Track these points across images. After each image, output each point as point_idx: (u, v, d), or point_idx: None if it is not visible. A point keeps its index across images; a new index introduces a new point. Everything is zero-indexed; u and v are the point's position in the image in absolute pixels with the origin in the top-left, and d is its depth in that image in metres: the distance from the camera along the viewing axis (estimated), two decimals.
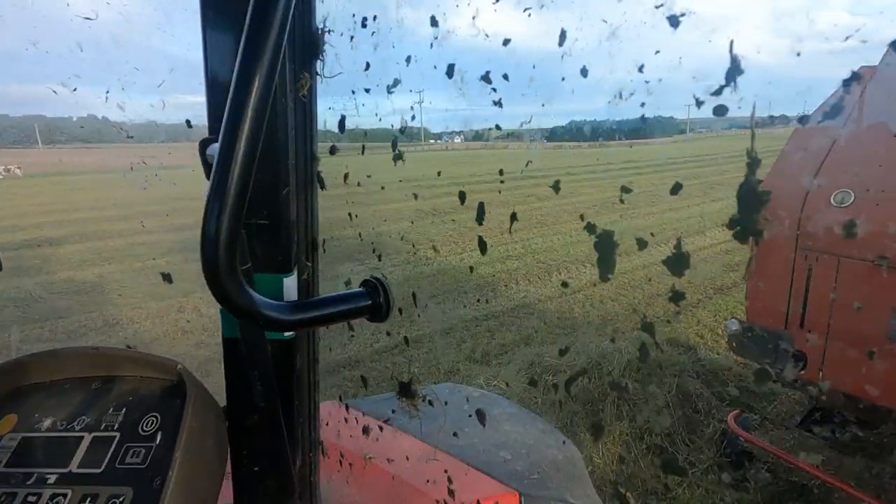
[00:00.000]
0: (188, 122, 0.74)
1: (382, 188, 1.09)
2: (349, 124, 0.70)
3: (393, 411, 0.91)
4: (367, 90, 0.67)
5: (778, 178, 2.30)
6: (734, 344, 2.51)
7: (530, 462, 0.95)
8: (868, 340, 2.03)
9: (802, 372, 2.27)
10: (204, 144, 0.58)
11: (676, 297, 0.63)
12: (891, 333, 1.96)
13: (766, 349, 2.36)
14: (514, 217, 0.98)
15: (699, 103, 0.52)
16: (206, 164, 0.58)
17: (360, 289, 0.65)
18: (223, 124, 0.45)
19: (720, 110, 0.52)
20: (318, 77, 0.61)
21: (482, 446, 0.96)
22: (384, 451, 0.88)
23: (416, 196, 9.95)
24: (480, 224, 0.77)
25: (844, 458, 2.73)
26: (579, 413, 3.55)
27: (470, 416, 1.10)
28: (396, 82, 0.69)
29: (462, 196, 0.87)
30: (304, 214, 0.67)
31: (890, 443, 2.73)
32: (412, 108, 0.81)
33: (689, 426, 3.50)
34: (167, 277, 0.99)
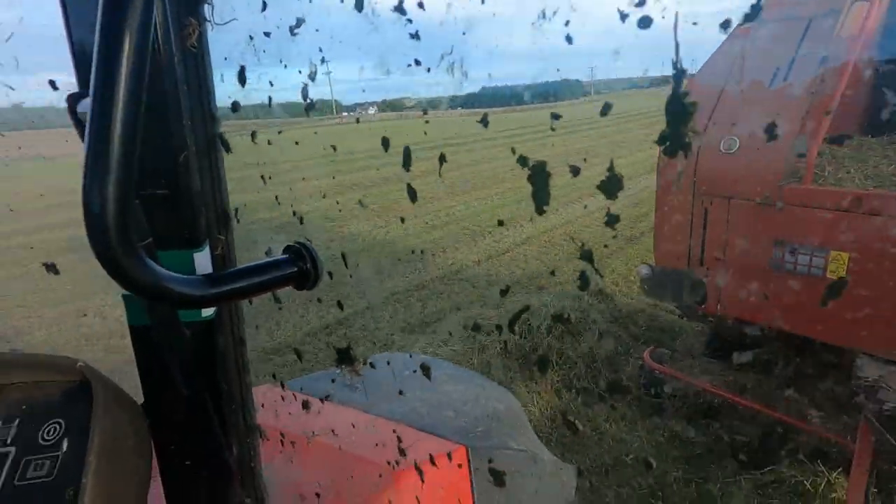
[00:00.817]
0: (52, 82, 0.63)
1: (297, 143, 1.03)
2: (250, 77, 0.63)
3: (333, 381, 0.89)
4: (268, 34, 0.61)
5: None
6: (646, 287, 2.73)
7: (474, 417, 0.98)
8: (755, 272, 2.29)
9: (704, 305, 2.52)
10: (74, 99, 0.51)
11: (611, 219, 0.66)
12: (773, 264, 2.22)
13: (672, 289, 2.60)
14: (442, 158, 0.97)
15: (623, 16, 0.53)
16: (79, 123, 0.51)
17: (284, 255, 0.60)
18: (92, 78, 0.39)
19: (644, 21, 0.53)
20: (207, 24, 0.54)
21: (426, 409, 0.97)
22: (328, 426, 0.86)
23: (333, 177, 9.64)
24: (407, 169, 0.75)
25: (739, 375, 3.12)
26: (513, 368, 3.73)
27: (414, 373, 1.11)
28: (300, 22, 0.63)
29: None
30: (210, 181, 0.60)
31: (774, 359, 3.14)
32: (322, 61, 0.76)
33: (611, 365, 3.81)
34: (51, 268, 0.87)
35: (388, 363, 1.14)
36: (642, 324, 4.62)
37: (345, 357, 0.77)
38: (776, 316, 2.32)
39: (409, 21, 0.67)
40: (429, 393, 1.04)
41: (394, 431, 0.84)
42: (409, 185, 0.80)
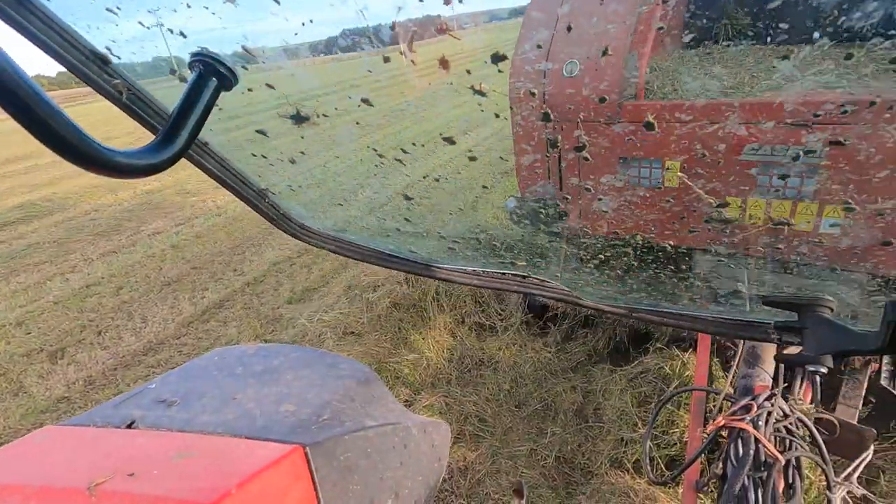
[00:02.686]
0: None
1: None
2: None
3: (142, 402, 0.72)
4: None
5: (520, 60, 2.45)
6: (514, 218, 2.79)
7: (319, 405, 0.87)
8: (608, 187, 2.42)
9: (567, 227, 2.65)
10: None
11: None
12: (622, 179, 2.36)
13: (539, 217, 2.68)
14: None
15: None
16: None
17: (195, 74, 0.62)
18: None
19: None
20: None
21: (260, 409, 0.84)
22: (125, 468, 0.70)
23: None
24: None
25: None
26: (405, 319, 3.71)
27: (250, 368, 0.97)
28: None
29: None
30: None
31: (627, 263, 3.47)
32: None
33: (498, 297, 3.95)
34: None
35: (217, 360, 0.98)
36: (522, 251, 4.84)
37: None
38: (631, 227, 2.51)
39: None
40: (267, 388, 0.91)
41: (217, 450, 0.71)
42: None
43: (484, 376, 3.42)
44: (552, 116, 2.41)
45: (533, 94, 2.43)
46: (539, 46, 2.40)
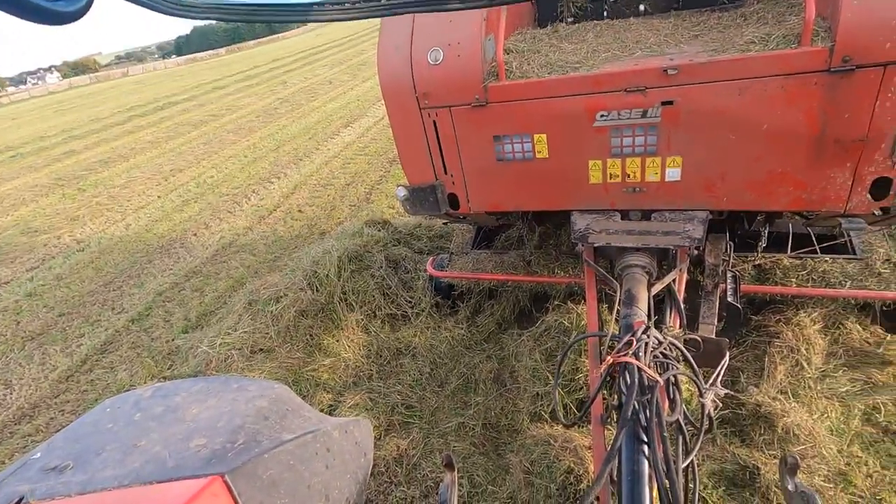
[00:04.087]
0: None
1: None
2: None
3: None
4: None
5: (386, 51, 2.48)
6: (407, 206, 2.85)
7: (232, 431, 0.86)
8: (486, 168, 2.56)
9: (458, 209, 2.77)
10: None
11: None
12: (497, 157, 2.52)
13: (429, 202, 2.76)
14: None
15: None
16: None
17: None
18: None
19: None
20: None
21: (168, 450, 0.81)
22: None
23: None
24: None
25: (504, 257, 3.64)
26: (315, 325, 3.63)
27: (147, 411, 0.92)
28: None
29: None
30: None
31: (518, 234, 3.73)
32: None
33: (405, 285, 4.01)
34: None
35: (109, 411, 0.92)
36: (423, 237, 4.93)
37: None
38: (513, 200, 2.68)
39: None
40: (173, 428, 0.88)
41: (128, 502, 0.68)
42: None
43: (404, 365, 3.48)
44: (425, 103, 2.48)
45: (403, 84, 2.48)
46: (402, 36, 2.44)
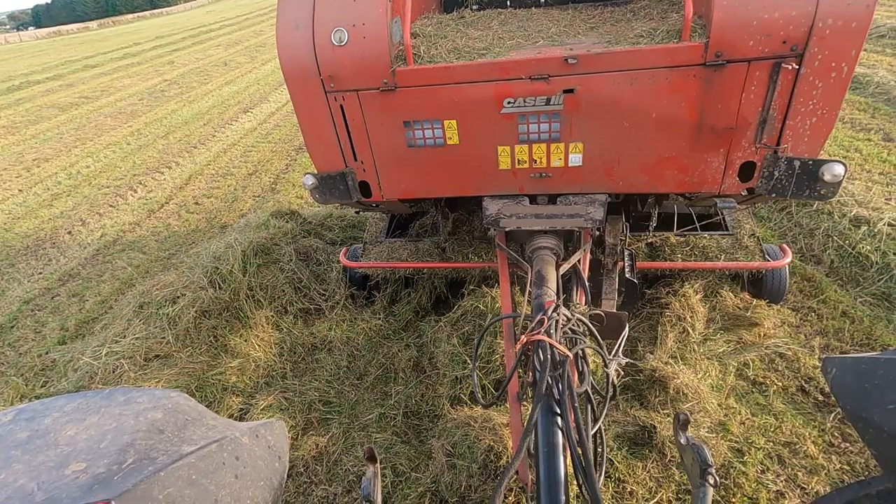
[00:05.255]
0: None
1: None
2: None
3: None
4: None
5: (285, 29, 2.32)
6: (316, 196, 2.72)
7: (118, 449, 0.76)
8: (397, 154, 2.52)
9: (369, 198, 2.69)
10: None
11: None
12: (408, 143, 2.48)
13: (339, 191, 2.66)
14: None
15: None
16: None
17: None
18: None
19: None
20: None
21: (37, 482, 0.70)
22: None
23: None
24: None
25: (419, 244, 3.63)
26: (219, 325, 3.38)
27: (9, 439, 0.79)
28: None
29: None
30: None
31: (432, 222, 3.75)
32: None
33: (318, 278, 3.86)
34: None
35: None
36: (335, 227, 4.77)
37: None
38: (425, 187, 2.67)
39: None
40: (42, 455, 0.76)
41: None
42: None
43: (320, 360, 3.36)
44: (331, 87, 2.37)
45: (306, 66, 2.35)
46: (303, 13, 2.30)
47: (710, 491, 1.52)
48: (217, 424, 0.94)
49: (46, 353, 3.82)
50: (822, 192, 2.14)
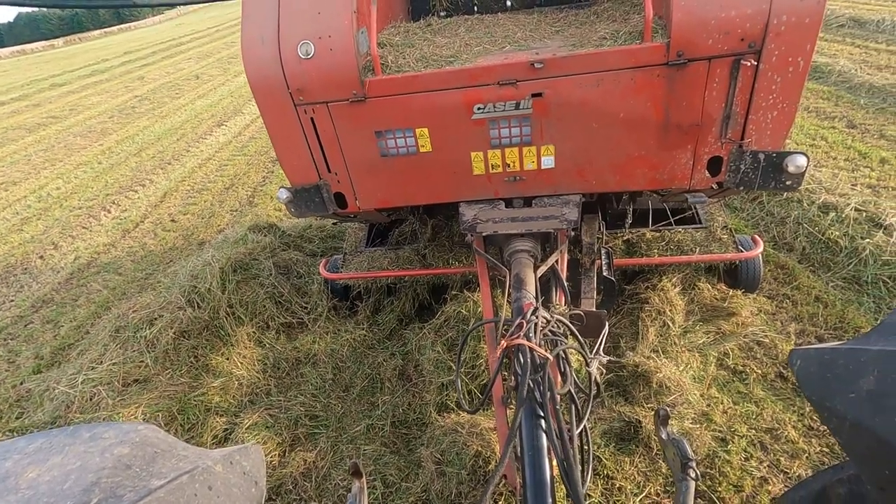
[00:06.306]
0: None
1: None
2: None
3: None
4: None
5: (251, 43, 2.30)
6: (291, 209, 2.69)
7: (82, 489, 0.74)
8: (370, 164, 2.51)
9: (346, 209, 2.68)
10: None
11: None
12: (381, 153, 2.47)
13: (314, 203, 2.64)
14: None
15: None
16: None
17: None
18: None
19: None
20: None
21: None
22: None
23: None
24: None
25: (399, 252, 3.62)
26: (199, 345, 3.32)
27: None
28: None
29: None
30: None
31: (411, 229, 3.74)
32: None
33: (299, 291, 3.83)
34: None
35: None
36: (314, 238, 4.74)
37: None
38: (401, 195, 2.66)
39: None
40: (3, 501, 0.73)
41: None
42: None
43: (304, 374, 3.33)
44: (300, 100, 2.35)
45: (274, 81, 2.33)
46: (268, 26, 2.28)
47: (693, 484, 1.54)
48: (188, 455, 0.92)
49: (21, 383, 3.71)
50: (787, 184, 2.20)
